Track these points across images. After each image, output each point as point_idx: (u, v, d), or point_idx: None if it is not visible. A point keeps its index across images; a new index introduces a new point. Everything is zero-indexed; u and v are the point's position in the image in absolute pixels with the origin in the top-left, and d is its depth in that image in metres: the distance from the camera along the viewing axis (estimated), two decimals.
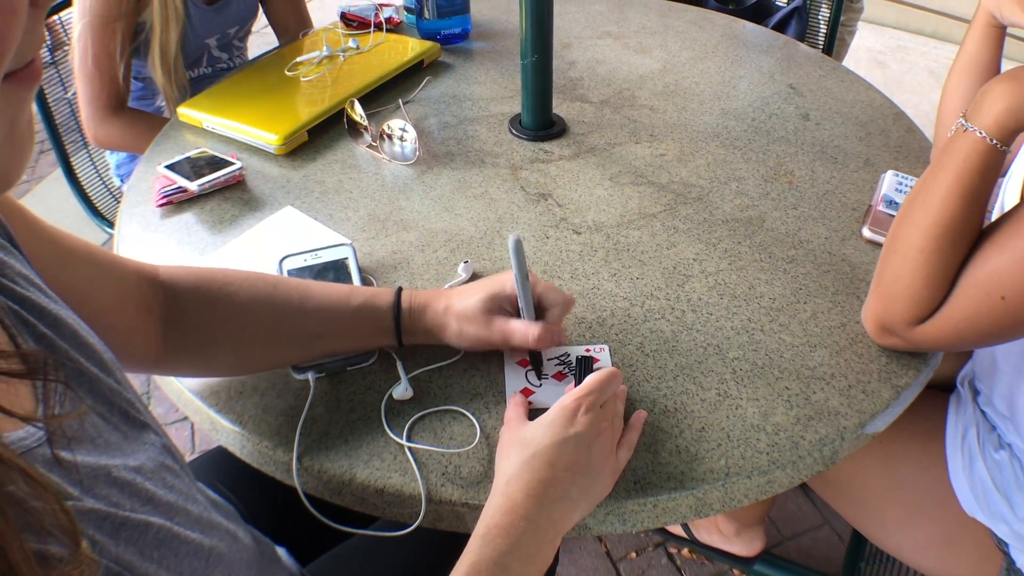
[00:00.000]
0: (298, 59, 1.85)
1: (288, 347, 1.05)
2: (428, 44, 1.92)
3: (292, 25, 2.30)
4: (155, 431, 0.76)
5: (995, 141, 0.99)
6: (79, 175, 2.22)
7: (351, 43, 1.91)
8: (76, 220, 2.22)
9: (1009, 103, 0.98)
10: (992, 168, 1.01)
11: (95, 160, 2.28)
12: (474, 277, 1.26)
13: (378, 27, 2.00)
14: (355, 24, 2.02)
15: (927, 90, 4.42)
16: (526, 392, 1.05)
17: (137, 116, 2.02)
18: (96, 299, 0.89)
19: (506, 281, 1.06)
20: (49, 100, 2.08)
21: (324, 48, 1.88)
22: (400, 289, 1.07)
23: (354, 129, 1.61)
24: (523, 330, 1.03)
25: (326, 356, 1.08)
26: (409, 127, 1.53)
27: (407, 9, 2.11)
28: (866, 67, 4.60)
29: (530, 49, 1.53)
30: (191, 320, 1.00)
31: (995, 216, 1.27)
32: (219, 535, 0.74)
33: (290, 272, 1.23)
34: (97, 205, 2.26)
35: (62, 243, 0.87)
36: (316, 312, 1.04)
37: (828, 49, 2.72)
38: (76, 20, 1.84)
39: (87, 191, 2.24)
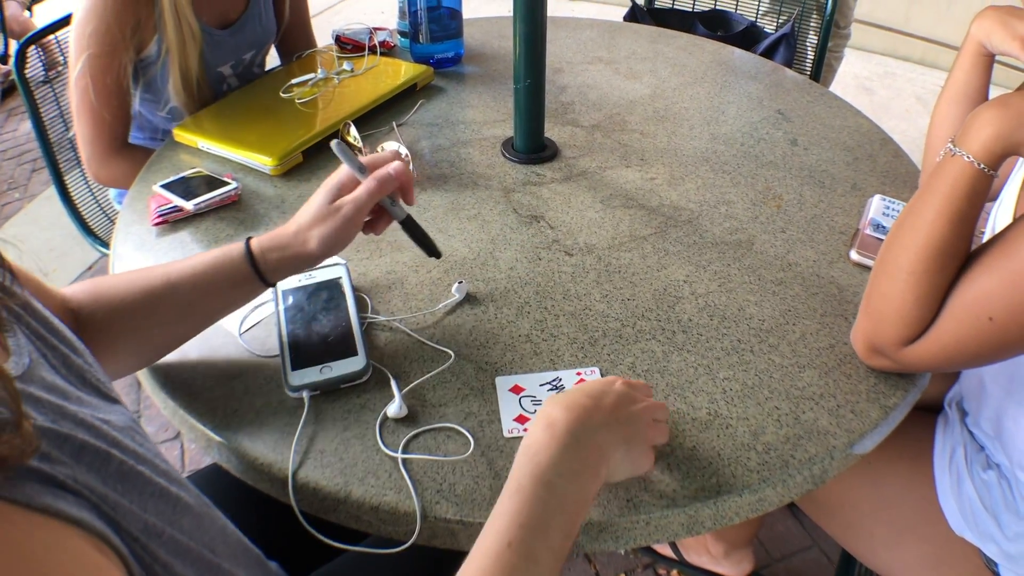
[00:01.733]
0: (293, 81, 1.87)
1: (175, 322, 1.10)
2: (421, 68, 1.95)
3: (301, 50, 2.29)
4: (125, 408, 0.78)
5: (983, 166, 1.01)
6: (72, 194, 2.22)
7: (345, 66, 1.93)
8: (69, 239, 2.22)
9: (997, 129, 1.00)
10: (980, 192, 1.03)
11: (89, 179, 2.28)
12: (468, 298, 1.28)
13: (372, 50, 2.02)
14: (349, 47, 2.04)
15: (914, 116, 4.46)
16: (521, 419, 1.07)
17: (140, 153, 1.93)
18: None
19: (338, 171, 1.14)
20: (43, 118, 2.08)
21: (319, 71, 1.90)
22: (249, 238, 1.11)
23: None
24: (361, 187, 1.12)
25: (213, 319, 1.14)
26: (403, 149, 1.55)
27: (401, 33, 2.13)
28: (853, 93, 4.63)
29: (523, 74, 1.55)
30: (93, 324, 1.05)
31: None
32: (186, 491, 0.75)
33: (284, 292, 1.25)
34: (90, 224, 2.26)
35: None
36: (180, 284, 1.08)
37: (815, 75, 2.75)
38: (75, 55, 1.76)
39: (80, 210, 2.24)
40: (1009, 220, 1.23)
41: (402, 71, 1.93)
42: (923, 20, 5.11)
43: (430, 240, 1.22)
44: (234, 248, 1.10)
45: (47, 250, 3.28)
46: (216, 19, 1.95)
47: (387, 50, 2.06)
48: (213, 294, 1.10)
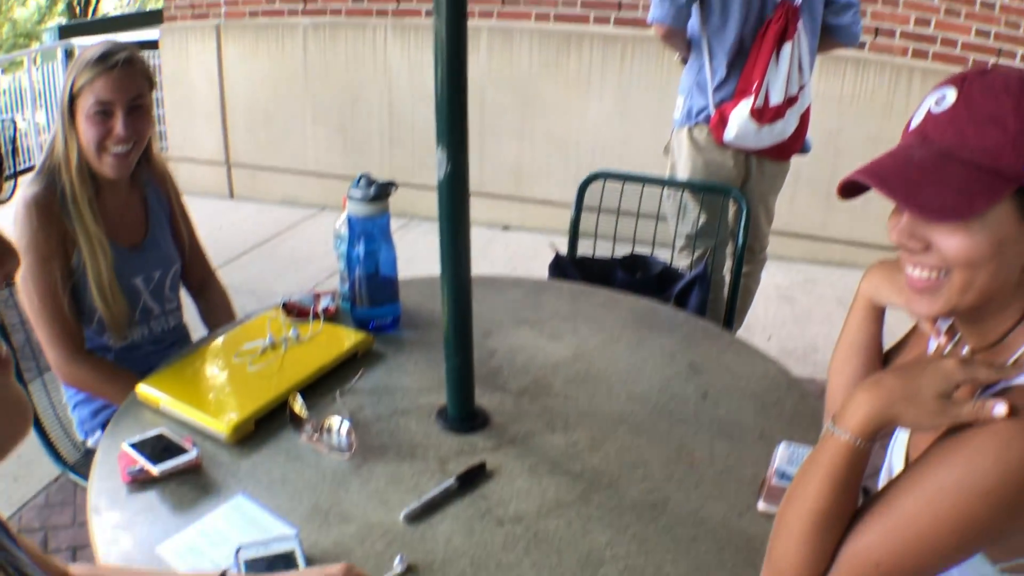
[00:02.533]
0: (244, 346, 2.01)
1: None
2: (361, 336, 2.09)
3: (204, 279, 2.57)
4: None
5: (859, 441, 1.15)
6: (36, 404, 2.28)
7: (292, 332, 2.08)
8: (35, 448, 2.26)
9: (868, 410, 1.14)
10: (859, 464, 1.16)
11: (49, 390, 2.40)
12: (410, 570, 1.38)
13: (316, 316, 2.17)
14: (295, 313, 2.18)
15: (836, 320, 4.59)
16: None
17: (100, 361, 2.21)
18: None
19: None
20: (7, 324, 2.19)
21: (267, 337, 2.04)
22: None
23: (296, 421, 1.75)
24: None
25: None
26: (345, 421, 1.67)
27: (343, 296, 2.27)
28: (775, 304, 4.81)
29: (453, 350, 1.71)
30: None
31: (883, 476, 1.42)
32: None
33: (246, 562, 1.36)
34: (51, 437, 2.32)
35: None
36: None
37: (732, 303, 2.91)
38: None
39: (43, 423, 2.31)
40: (902, 458, 1.35)
41: (344, 339, 2.07)
42: (840, 224, 5.32)
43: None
44: None
45: (15, 457, 3.25)
46: (125, 240, 2.28)
47: (330, 316, 2.19)
48: None
